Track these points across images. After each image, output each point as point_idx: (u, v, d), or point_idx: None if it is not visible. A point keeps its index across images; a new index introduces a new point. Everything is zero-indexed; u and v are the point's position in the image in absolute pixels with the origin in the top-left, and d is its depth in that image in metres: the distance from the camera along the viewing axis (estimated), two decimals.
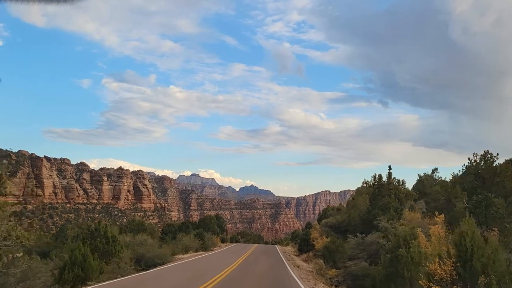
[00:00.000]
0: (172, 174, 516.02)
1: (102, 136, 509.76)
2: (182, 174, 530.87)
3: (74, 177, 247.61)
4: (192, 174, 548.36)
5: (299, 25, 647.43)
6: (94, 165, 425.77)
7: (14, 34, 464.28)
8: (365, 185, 40.58)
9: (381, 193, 34.12)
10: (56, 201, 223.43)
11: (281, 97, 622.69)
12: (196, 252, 41.25)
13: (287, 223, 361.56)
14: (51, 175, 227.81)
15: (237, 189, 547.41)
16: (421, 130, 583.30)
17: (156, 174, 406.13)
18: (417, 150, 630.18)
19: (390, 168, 36.75)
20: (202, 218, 73.63)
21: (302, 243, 50.07)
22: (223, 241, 66.74)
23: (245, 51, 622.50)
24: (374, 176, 37.18)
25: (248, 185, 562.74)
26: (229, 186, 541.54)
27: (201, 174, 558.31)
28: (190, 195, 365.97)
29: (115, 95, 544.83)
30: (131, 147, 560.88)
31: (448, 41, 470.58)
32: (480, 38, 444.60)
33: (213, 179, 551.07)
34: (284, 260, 35.56)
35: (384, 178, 36.31)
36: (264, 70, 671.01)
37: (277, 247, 64.83)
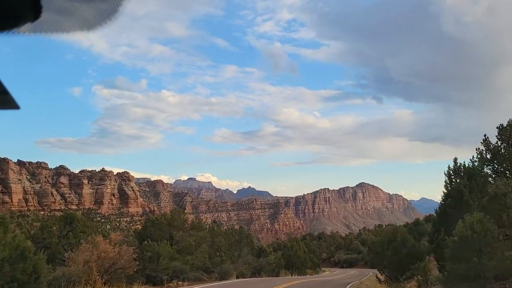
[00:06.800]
0: (168, 179, 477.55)
1: (96, 145, 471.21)
2: (178, 179, 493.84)
3: (50, 181, 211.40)
4: (189, 179, 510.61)
5: (289, 23, 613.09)
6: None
7: (2, 44, 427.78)
8: None
9: None
10: (27, 208, 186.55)
11: (275, 97, 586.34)
12: None
13: (287, 222, 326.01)
14: (20, 180, 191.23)
15: (235, 192, 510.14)
16: (416, 124, 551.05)
17: (152, 180, 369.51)
18: (413, 145, 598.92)
19: None
20: None
21: None
22: None
23: (236, 53, 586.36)
24: None
25: (246, 187, 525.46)
26: (226, 189, 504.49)
27: (198, 178, 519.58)
28: (185, 198, 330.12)
29: (106, 102, 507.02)
30: (126, 154, 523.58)
31: (441, 33, 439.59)
32: (472, 28, 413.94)
33: (210, 182, 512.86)
34: None
35: None
36: (256, 71, 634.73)
37: None
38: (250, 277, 28.20)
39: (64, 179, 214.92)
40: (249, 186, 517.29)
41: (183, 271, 20.21)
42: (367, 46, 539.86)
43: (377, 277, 19.58)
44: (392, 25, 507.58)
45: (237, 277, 27.00)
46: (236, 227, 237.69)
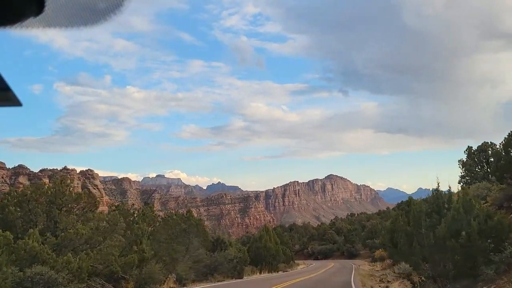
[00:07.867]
0: (136, 177, 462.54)
1: (59, 143, 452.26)
2: (146, 176, 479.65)
3: (8, 181, 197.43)
4: (157, 176, 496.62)
5: (255, 17, 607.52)
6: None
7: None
8: None
9: None
10: None
11: (243, 91, 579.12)
12: None
13: (258, 216, 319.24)
14: None
15: (204, 187, 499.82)
16: (381, 116, 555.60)
17: (119, 178, 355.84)
18: (378, 137, 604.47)
19: None
20: None
21: None
22: None
23: (202, 47, 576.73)
24: None
25: (215, 183, 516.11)
26: (196, 185, 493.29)
27: (166, 175, 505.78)
28: (153, 195, 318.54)
29: (69, 99, 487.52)
30: (91, 152, 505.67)
31: (404, 25, 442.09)
32: (433, 21, 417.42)
33: (179, 179, 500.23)
34: None
35: None
36: (223, 65, 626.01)
37: None
38: (193, 284, 19.45)
39: (23, 179, 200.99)
40: (219, 182, 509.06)
41: (53, 281, 11.82)
42: (333, 39, 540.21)
43: (409, 279, 12.08)
44: (357, 18, 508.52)
45: (176, 283, 18.63)
46: (207, 223, 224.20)
